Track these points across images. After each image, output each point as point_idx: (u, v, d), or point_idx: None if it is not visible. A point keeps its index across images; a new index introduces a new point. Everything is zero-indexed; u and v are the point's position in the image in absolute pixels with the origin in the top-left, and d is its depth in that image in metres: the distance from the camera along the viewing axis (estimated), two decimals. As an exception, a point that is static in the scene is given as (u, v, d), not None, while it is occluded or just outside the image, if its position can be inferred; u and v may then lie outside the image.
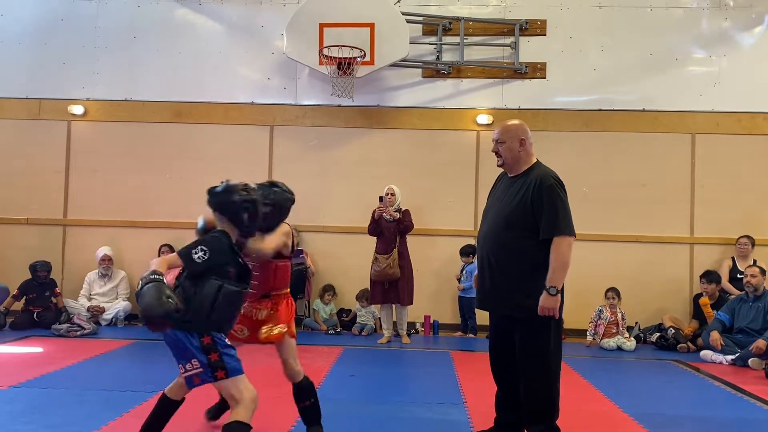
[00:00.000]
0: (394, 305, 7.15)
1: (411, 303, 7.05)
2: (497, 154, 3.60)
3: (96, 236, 8.21)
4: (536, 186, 3.44)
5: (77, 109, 8.36)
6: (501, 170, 3.74)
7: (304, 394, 3.69)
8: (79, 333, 7.00)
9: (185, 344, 3.02)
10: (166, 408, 3.42)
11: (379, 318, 7.49)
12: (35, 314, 7.43)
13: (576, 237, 3.49)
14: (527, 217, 3.43)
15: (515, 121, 3.68)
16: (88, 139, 8.41)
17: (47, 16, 8.46)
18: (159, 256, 7.99)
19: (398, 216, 7.04)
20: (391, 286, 6.98)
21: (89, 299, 7.89)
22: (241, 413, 2.99)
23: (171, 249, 8.04)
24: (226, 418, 3.09)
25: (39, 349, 6.25)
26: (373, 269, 7.03)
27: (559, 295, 3.38)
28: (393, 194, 7.12)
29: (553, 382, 3.47)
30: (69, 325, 7.11)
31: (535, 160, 3.62)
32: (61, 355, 5.94)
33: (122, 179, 8.29)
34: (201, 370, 3.03)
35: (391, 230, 7.03)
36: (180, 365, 3.08)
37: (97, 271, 7.99)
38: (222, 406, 3.93)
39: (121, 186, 8.29)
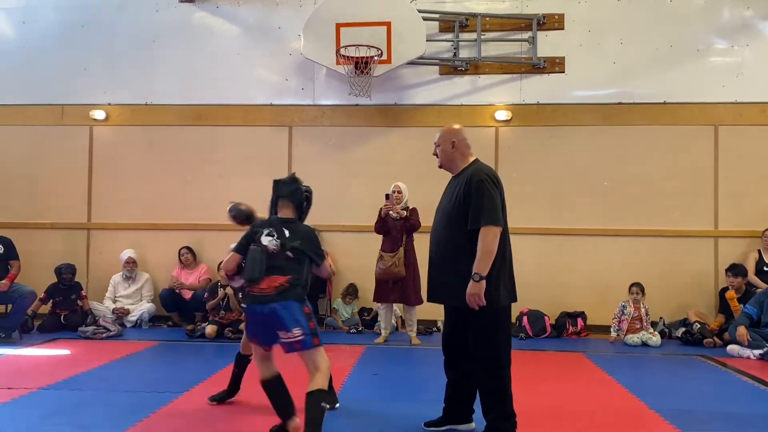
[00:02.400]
0: (395, 305, 7.09)
1: (420, 302, 6.79)
2: (435, 155, 3.93)
3: (119, 239, 8.32)
4: (467, 182, 3.67)
5: (99, 114, 8.47)
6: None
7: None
8: (105, 335, 7.10)
9: (296, 312, 3.50)
10: (274, 385, 3.76)
11: (399, 317, 7.48)
12: (62, 317, 7.55)
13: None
14: (461, 211, 3.64)
15: (451, 126, 3.99)
16: (109, 143, 8.52)
17: (68, 23, 8.58)
18: (179, 259, 8.10)
19: (405, 214, 6.83)
20: (396, 285, 6.78)
21: (114, 301, 8.00)
22: (322, 381, 3.47)
23: (190, 251, 8.14)
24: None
25: (66, 352, 6.35)
26: (378, 267, 6.84)
27: (484, 282, 3.51)
28: (400, 192, 6.96)
29: (504, 370, 3.64)
30: (95, 327, 7.21)
31: (472, 160, 3.86)
32: (87, 357, 6.03)
33: (144, 182, 8.39)
34: (302, 337, 3.48)
35: (397, 228, 6.82)
36: (281, 332, 3.50)
37: (121, 273, 8.09)
38: (231, 392, 4.47)
39: (143, 189, 8.39)
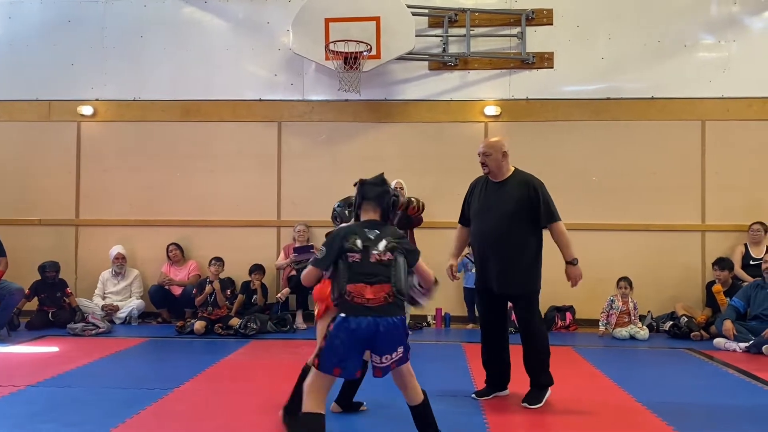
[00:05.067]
0: None
1: None
2: (484, 164, 4.40)
3: (108, 236, 8.28)
4: (527, 186, 4.32)
5: (87, 110, 8.41)
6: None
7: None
8: (94, 332, 7.07)
9: (402, 330, 3.20)
10: (322, 423, 3.16)
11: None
12: (50, 314, 7.51)
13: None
14: (525, 212, 4.28)
15: (497, 138, 4.54)
16: (98, 139, 8.47)
17: (55, 18, 8.50)
18: (167, 255, 8.08)
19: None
20: None
21: (103, 298, 7.97)
22: (419, 389, 3.33)
23: (179, 248, 8.12)
24: None
25: (55, 349, 6.32)
26: None
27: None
28: (402, 188, 7.06)
29: (547, 339, 4.45)
30: (84, 324, 7.18)
31: (513, 167, 4.47)
32: (76, 353, 6.00)
33: (133, 178, 8.35)
34: (402, 355, 3.21)
35: (400, 224, 6.96)
36: (382, 356, 3.17)
37: (110, 270, 8.05)
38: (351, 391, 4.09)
39: (131, 185, 8.35)
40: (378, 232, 3.29)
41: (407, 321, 3.33)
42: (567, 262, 4.34)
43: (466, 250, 5.57)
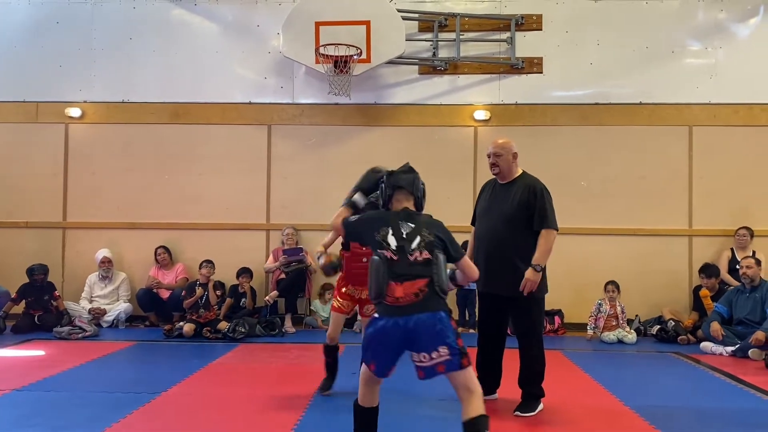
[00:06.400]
0: None
1: None
2: (494, 165, 4.37)
3: (96, 238, 8.22)
4: (530, 190, 4.28)
5: (74, 112, 8.35)
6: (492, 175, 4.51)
7: None
8: (80, 335, 7.02)
9: (445, 327, 2.92)
10: (369, 416, 3.17)
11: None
12: (36, 318, 7.44)
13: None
14: (524, 215, 4.25)
15: (505, 139, 4.47)
16: (85, 141, 8.41)
17: (42, 18, 8.44)
18: (155, 258, 8.04)
19: None
20: None
21: (90, 301, 7.90)
22: (480, 404, 2.91)
23: (167, 251, 8.07)
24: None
25: (41, 352, 6.27)
26: None
27: (542, 273, 4.21)
28: None
29: (543, 346, 4.39)
30: (70, 327, 7.12)
31: (520, 170, 4.45)
32: (63, 357, 5.96)
33: (121, 181, 8.29)
34: (449, 357, 2.90)
35: None
36: (422, 354, 2.92)
37: (97, 273, 7.99)
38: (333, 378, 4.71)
39: (119, 188, 8.29)
40: (412, 225, 3.08)
41: (452, 320, 3.01)
42: (530, 265, 4.16)
43: None
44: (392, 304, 2.97)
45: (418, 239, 3.04)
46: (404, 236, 3.04)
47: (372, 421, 3.15)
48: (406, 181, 3.23)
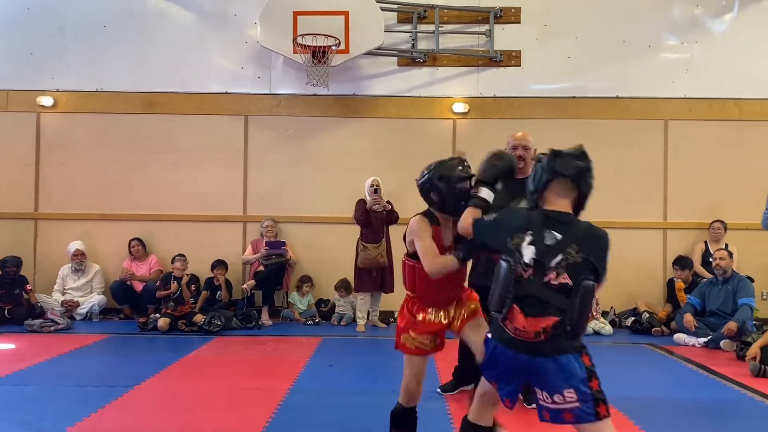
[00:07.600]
0: (372, 294, 7.27)
1: (392, 290, 7.14)
2: (521, 158, 4.04)
3: (68, 230, 8.07)
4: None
5: (46, 101, 8.18)
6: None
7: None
8: (52, 328, 6.90)
9: (573, 370, 2.32)
10: None
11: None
12: (6, 311, 7.29)
13: None
14: None
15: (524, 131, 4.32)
16: (58, 131, 8.25)
17: (13, 4, 8.24)
18: (129, 251, 7.93)
19: (390, 207, 7.16)
20: (378, 274, 7.12)
21: (63, 294, 7.77)
22: None
23: (141, 243, 7.97)
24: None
25: (11, 346, 6.15)
26: (363, 257, 7.06)
27: None
28: (379, 186, 7.18)
29: None
30: (42, 320, 6.99)
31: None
32: (34, 351, 5.85)
33: (94, 172, 8.15)
34: (578, 404, 2.31)
35: (379, 220, 7.10)
36: (545, 393, 2.36)
37: (70, 265, 7.86)
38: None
39: (93, 178, 8.15)
40: (560, 236, 2.39)
41: (584, 358, 2.37)
42: None
43: None
44: (510, 332, 2.39)
45: (559, 257, 2.37)
46: (545, 248, 2.38)
47: None
48: (575, 169, 2.48)
